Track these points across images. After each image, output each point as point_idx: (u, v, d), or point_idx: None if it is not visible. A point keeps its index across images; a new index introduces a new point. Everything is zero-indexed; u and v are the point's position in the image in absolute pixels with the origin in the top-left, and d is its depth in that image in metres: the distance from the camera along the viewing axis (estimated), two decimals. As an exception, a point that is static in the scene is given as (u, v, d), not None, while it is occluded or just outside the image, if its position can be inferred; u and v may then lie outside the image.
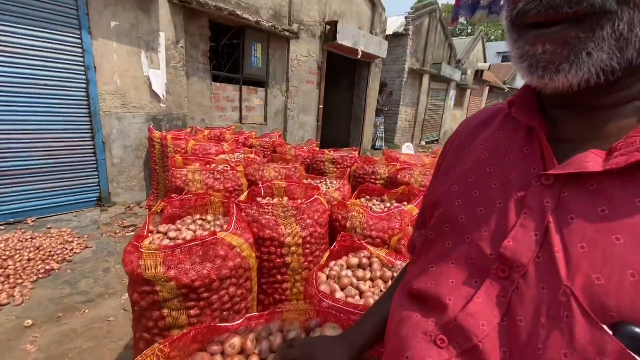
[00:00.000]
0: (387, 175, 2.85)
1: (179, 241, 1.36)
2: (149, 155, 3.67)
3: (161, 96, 3.78)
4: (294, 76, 5.83)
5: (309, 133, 6.62)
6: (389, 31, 8.86)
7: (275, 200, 2.01)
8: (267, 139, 3.99)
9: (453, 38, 11.93)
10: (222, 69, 5.39)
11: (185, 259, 1.17)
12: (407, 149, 5.56)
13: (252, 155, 2.98)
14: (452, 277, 0.40)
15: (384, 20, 7.89)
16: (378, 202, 2.20)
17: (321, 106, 6.71)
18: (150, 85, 3.64)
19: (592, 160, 0.32)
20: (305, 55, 5.94)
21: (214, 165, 2.58)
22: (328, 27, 6.07)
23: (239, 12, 4.27)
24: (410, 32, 8.77)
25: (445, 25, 10.46)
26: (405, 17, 9.04)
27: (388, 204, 2.14)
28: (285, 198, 2.07)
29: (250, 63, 5.05)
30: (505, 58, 23.01)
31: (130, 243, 1.19)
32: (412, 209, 1.96)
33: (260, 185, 2.10)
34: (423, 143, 11.19)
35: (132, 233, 3.10)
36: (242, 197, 1.88)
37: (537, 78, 0.34)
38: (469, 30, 28.80)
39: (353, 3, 6.85)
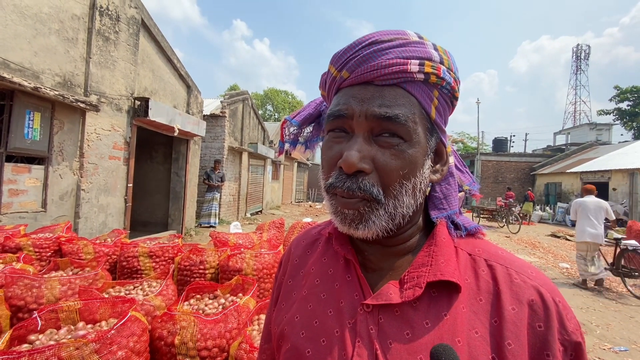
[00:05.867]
0: (217, 263, 2.68)
1: None
2: None
3: None
4: (91, 152, 4.87)
5: (113, 217, 5.46)
6: (207, 112, 9.22)
7: (64, 332, 1.45)
8: (47, 235, 2.99)
9: (265, 122, 13.75)
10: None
11: None
12: (235, 228, 5.51)
13: (18, 265, 2.10)
14: None
15: (200, 102, 8.15)
16: (211, 300, 1.99)
17: (130, 185, 5.81)
18: None
19: (394, 292, 0.44)
20: (108, 129, 5.16)
21: (-64, 294, 1.63)
22: (138, 102, 5.64)
23: (5, 75, 3.32)
24: (227, 115, 9.43)
25: (257, 111, 11.97)
26: (221, 101, 9.73)
27: (222, 300, 1.97)
28: (81, 324, 1.53)
29: (22, 135, 3.87)
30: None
31: None
32: (248, 301, 1.88)
33: (35, 313, 1.48)
34: (248, 215, 11.49)
35: None
36: (0, 344, 1.25)
37: (346, 229, 0.47)
38: (276, 117, 34.05)
39: (167, 82, 6.77)
